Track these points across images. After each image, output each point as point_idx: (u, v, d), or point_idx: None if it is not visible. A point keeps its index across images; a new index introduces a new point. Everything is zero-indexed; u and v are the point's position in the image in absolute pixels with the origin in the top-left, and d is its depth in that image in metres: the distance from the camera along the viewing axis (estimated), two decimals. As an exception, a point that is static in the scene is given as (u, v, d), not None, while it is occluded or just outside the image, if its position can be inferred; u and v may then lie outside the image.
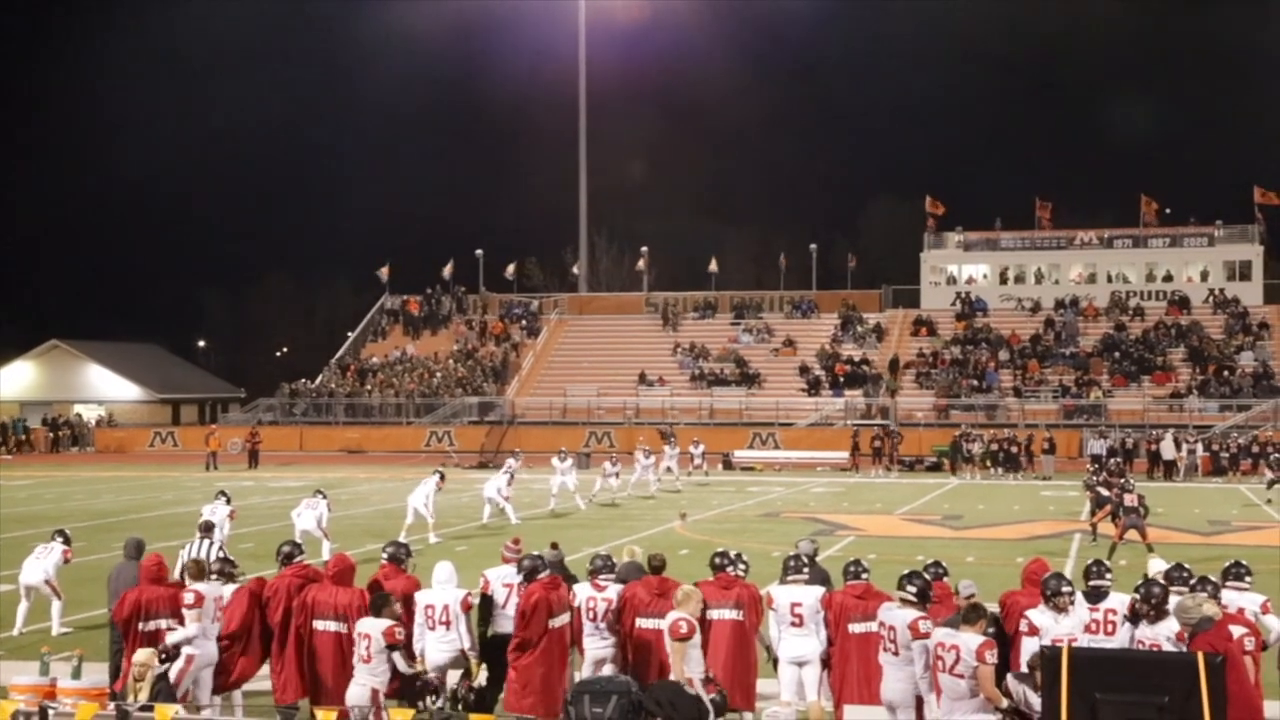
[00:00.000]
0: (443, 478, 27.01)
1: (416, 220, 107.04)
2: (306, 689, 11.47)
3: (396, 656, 10.75)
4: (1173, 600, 10.25)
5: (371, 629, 10.79)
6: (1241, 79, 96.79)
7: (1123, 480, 26.10)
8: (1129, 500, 23.72)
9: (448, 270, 71.36)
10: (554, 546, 13.52)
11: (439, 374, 63.24)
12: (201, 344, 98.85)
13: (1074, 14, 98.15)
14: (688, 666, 10.51)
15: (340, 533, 24.49)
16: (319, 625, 11.45)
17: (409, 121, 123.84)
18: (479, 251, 71.59)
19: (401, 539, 23.94)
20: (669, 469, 39.08)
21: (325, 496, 23.67)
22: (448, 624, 11.54)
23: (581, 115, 70.71)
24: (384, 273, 71.31)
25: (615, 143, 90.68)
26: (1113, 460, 40.59)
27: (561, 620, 11.31)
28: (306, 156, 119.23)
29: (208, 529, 16.08)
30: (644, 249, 70.93)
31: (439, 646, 11.53)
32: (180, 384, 78.73)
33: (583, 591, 11.85)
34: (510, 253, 74.08)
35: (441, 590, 11.73)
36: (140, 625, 11.71)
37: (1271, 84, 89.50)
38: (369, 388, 63.28)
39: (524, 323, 68.26)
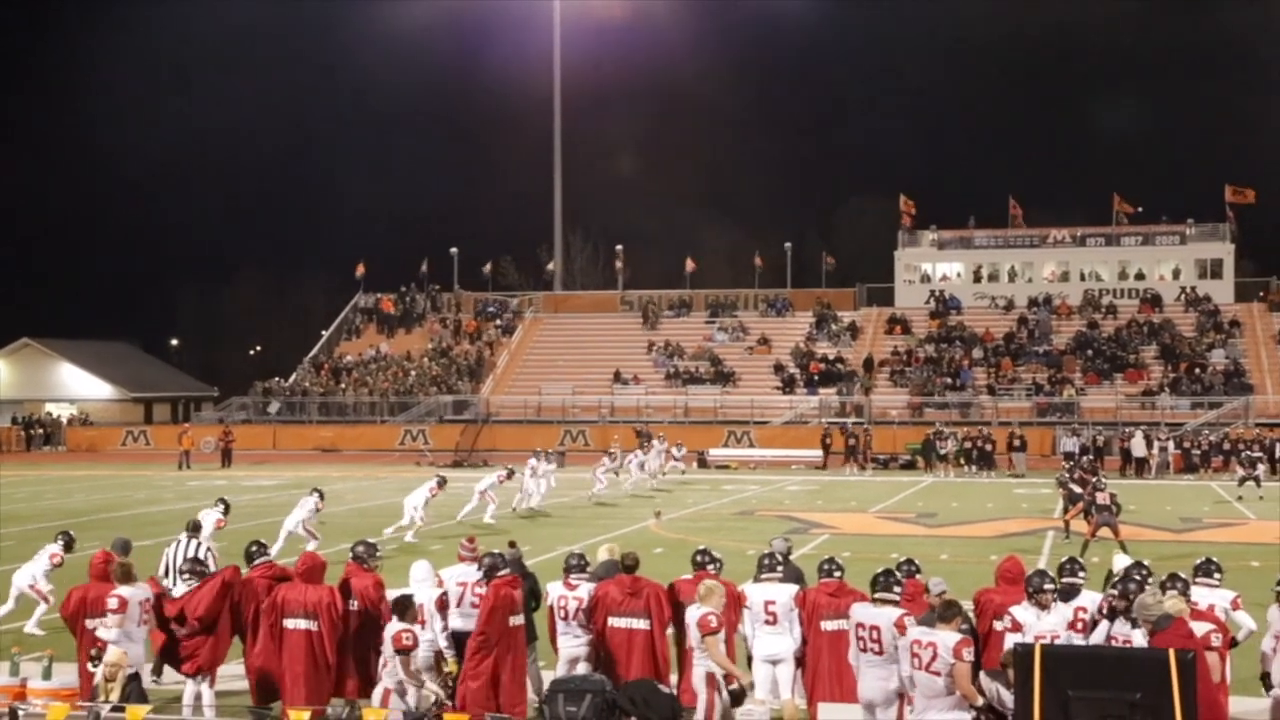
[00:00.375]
0: (442, 484, 26.89)
1: (391, 218, 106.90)
2: (279, 689, 11.43)
3: (397, 662, 10.69)
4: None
5: (386, 632, 10.79)
6: (1213, 78, 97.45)
7: (1095, 479, 26.20)
8: (1101, 498, 23.82)
9: (423, 268, 71.32)
10: (511, 545, 13.54)
11: (413, 372, 63.12)
12: (174, 342, 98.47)
13: (1048, 14, 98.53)
14: (711, 660, 10.59)
15: (313, 532, 24.35)
16: (289, 624, 11.42)
17: (384, 120, 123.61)
18: (454, 250, 71.57)
19: (388, 533, 23.67)
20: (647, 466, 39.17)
21: (320, 495, 23.34)
22: (422, 623, 11.52)
23: (556, 114, 70.66)
24: (359, 270, 71.20)
25: (591, 142, 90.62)
26: (1085, 458, 40.82)
27: (517, 620, 11.33)
28: (281, 155, 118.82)
29: (195, 528, 15.95)
30: (619, 247, 71.01)
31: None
32: (153, 383, 78.38)
33: (554, 590, 11.86)
34: (485, 251, 74.13)
35: (417, 589, 11.72)
36: (86, 621, 11.67)
37: (1243, 83, 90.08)
38: (343, 386, 63.12)
39: (499, 321, 68.18)
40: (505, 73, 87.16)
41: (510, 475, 30.18)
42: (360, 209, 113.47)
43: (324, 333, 71.14)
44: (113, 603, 11.39)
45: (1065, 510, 26.98)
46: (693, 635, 10.87)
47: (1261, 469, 38.68)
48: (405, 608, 10.87)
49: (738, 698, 10.78)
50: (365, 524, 26.53)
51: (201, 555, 13.86)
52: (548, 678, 11.46)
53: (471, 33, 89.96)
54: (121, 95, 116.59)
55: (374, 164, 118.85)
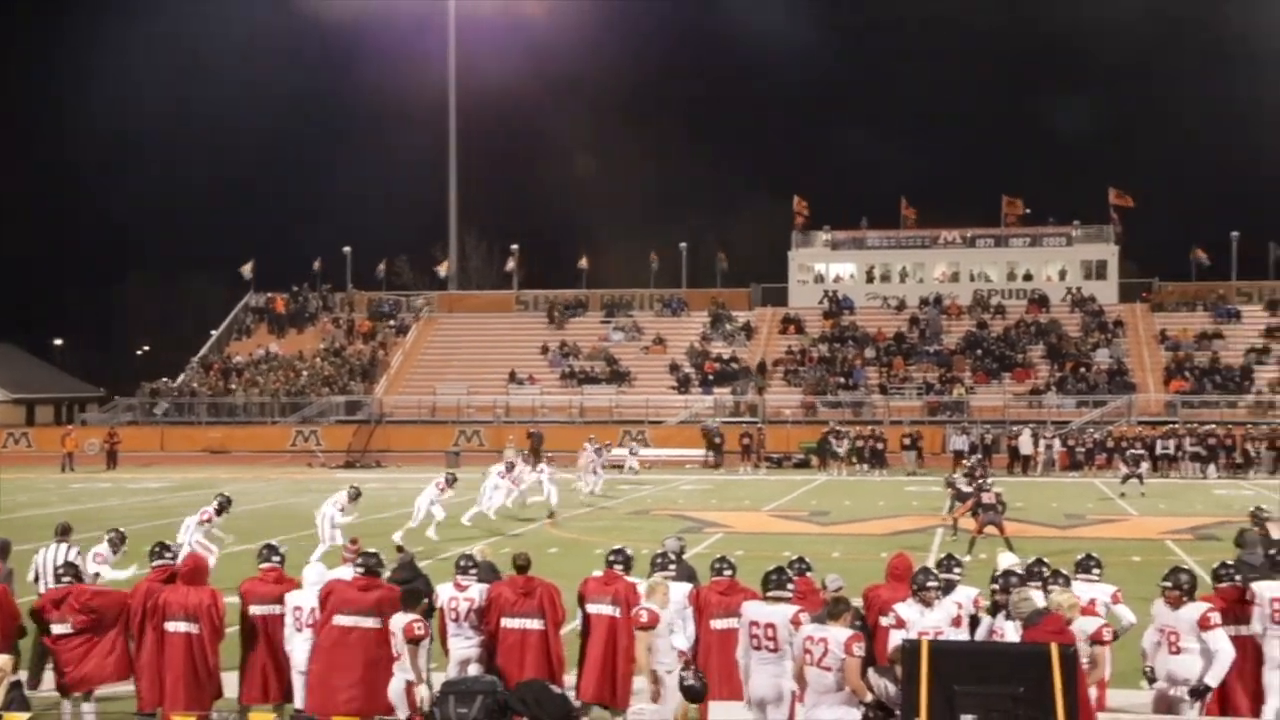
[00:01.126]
0: (451, 481, 26.58)
1: (284, 217, 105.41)
2: (162, 694, 11.25)
3: (408, 653, 10.59)
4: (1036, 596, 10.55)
5: (396, 625, 10.68)
6: (1099, 82, 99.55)
7: (980, 480, 26.63)
8: (986, 498, 24.30)
9: (315, 267, 70.56)
10: (399, 550, 13.46)
11: (305, 373, 62.36)
12: (58, 343, 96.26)
13: (938, 18, 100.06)
14: (652, 657, 10.62)
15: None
16: (169, 627, 11.26)
17: (277, 116, 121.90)
18: (347, 249, 70.86)
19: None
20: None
21: (355, 494, 22.83)
22: (315, 626, 11.39)
23: (451, 113, 70.31)
24: (247, 269, 70.17)
25: (485, 140, 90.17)
26: (974, 457, 41.57)
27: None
28: (169, 151, 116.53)
29: (64, 532, 15.56)
30: (514, 247, 70.74)
31: (305, 648, 11.38)
32: (36, 384, 76.61)
33: (445, 592, 11.80)
34: (379, 251, 73.38)
35: (311, 592, 11.58)
36: None
37: (1127, 87, 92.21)
38: (233, 387, 62.18)
39: (393, 321, 67.63)
40: (400, 69, 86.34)
41: (511, 468, 30.04)
42: (251, 207, 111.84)
43: (214, 332, 70.01)
44: None
45: (952, 508, 27.41)
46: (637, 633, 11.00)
47: (1145, 466, 39.60)
48: (416, 600, 10.81)
49: (698, 693, 10.70)
50: (257, 527, 26.14)
51: (73, 558, 13.57)
52: (438, 679, 11.39)
53: (366, 28, 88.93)
54: (2, 92, 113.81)
55: (265, 161, 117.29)
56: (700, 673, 10.70)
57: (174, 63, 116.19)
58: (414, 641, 10.50)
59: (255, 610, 11.68)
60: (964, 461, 34.73)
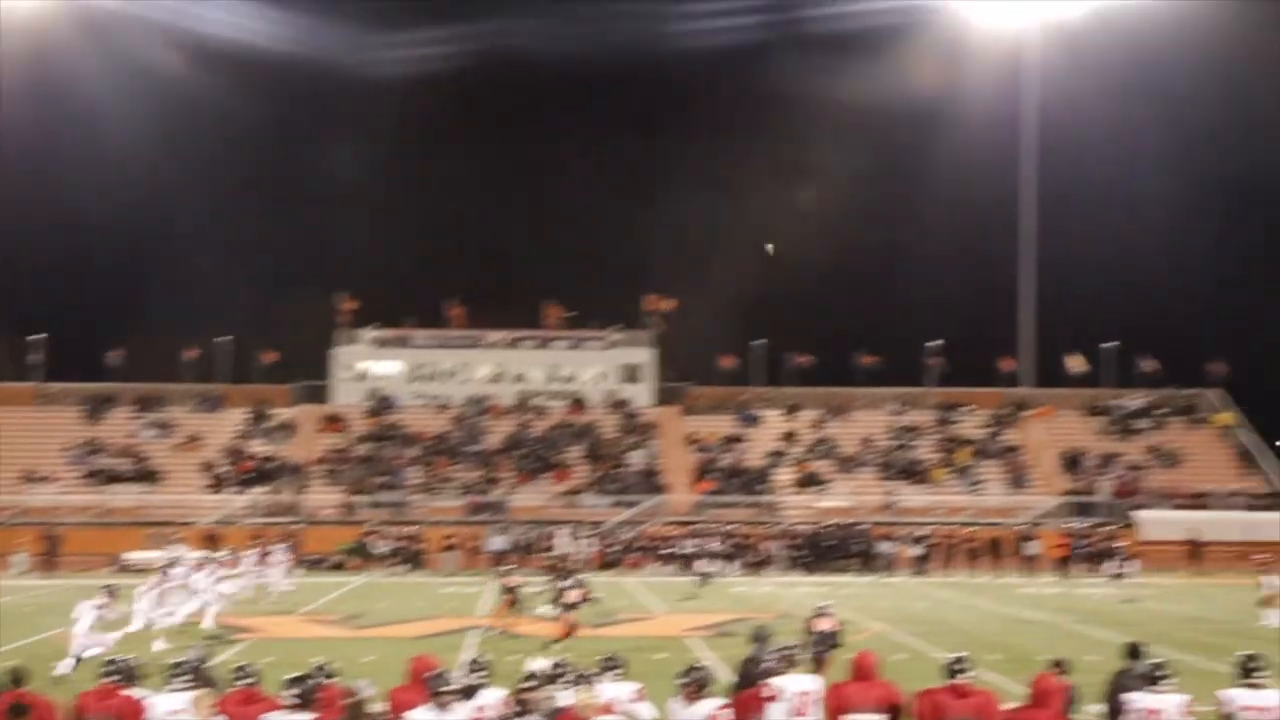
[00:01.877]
0: (111, 592, 22.81)
1: None
2: None
3: None
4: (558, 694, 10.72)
5: None
6: (639, 193, 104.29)
7: (568, 579, 26.83)
8: (573, 595, 24.85)
9: None
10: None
11: None
12: None
13: (474, 131, 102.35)
14: None
15: None
16: None
17: None
18: None
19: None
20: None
21: (109, 592, 21.21)
22: None
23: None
24: None
25: (7, 219, 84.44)
26: (561, 550, 42.41)
27: None
28: None
29: None
30: (37, 337, 66.26)
31: None
32: None
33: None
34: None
35: None
36: None
37: (662, 199, 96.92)
38: None
39: (-108, 412, 61.76)
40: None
41: (200, 566, 28.83)
42: None
43: None
44: None
45: (499, 608, 27.66)
46: None
47: (718, 566, 41.39)
48: (22, 712, 10.20)
49: None
50: None
51: None
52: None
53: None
54: None
55: None
56: None
57: None
58: None
59: None
60: (550, 559, 35.28)
